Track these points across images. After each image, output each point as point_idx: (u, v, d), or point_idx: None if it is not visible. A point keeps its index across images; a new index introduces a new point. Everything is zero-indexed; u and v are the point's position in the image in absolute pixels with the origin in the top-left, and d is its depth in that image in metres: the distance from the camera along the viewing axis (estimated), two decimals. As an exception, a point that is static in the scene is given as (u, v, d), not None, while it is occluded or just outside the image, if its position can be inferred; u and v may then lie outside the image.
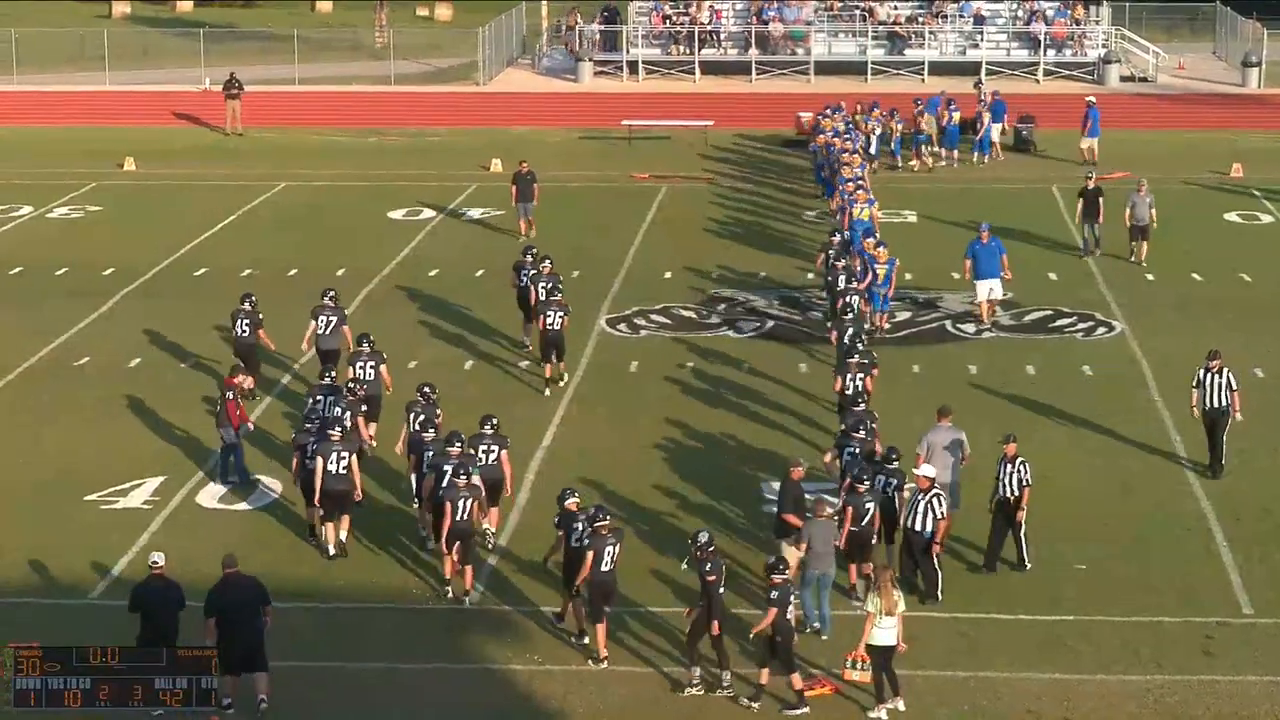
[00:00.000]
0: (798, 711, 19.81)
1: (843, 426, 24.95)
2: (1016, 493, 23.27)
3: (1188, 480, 26.51)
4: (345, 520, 24.01)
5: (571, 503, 21.74)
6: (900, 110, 49.39)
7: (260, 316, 30.17)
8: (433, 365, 31.52)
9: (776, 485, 24.01)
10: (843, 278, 32.25)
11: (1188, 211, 43.11)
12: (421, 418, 24.81)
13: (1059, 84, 59.39)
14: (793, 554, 21.92)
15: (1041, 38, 60.41)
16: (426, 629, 22.02)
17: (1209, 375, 26.47)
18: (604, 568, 20.91)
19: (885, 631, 19.77)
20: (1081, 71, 60.43)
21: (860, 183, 38.13)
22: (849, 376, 26.97)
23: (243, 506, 25.73)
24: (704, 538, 20.56)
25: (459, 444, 23.23)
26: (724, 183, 47.80)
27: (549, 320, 30.27)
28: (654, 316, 34.93)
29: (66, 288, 37.48)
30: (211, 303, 35.17)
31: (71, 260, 39.55)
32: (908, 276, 36.21)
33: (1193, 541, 24.45)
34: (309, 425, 24.96)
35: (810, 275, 36.79)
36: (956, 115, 49.56)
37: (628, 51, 61.52)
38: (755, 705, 19.92)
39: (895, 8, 61.64)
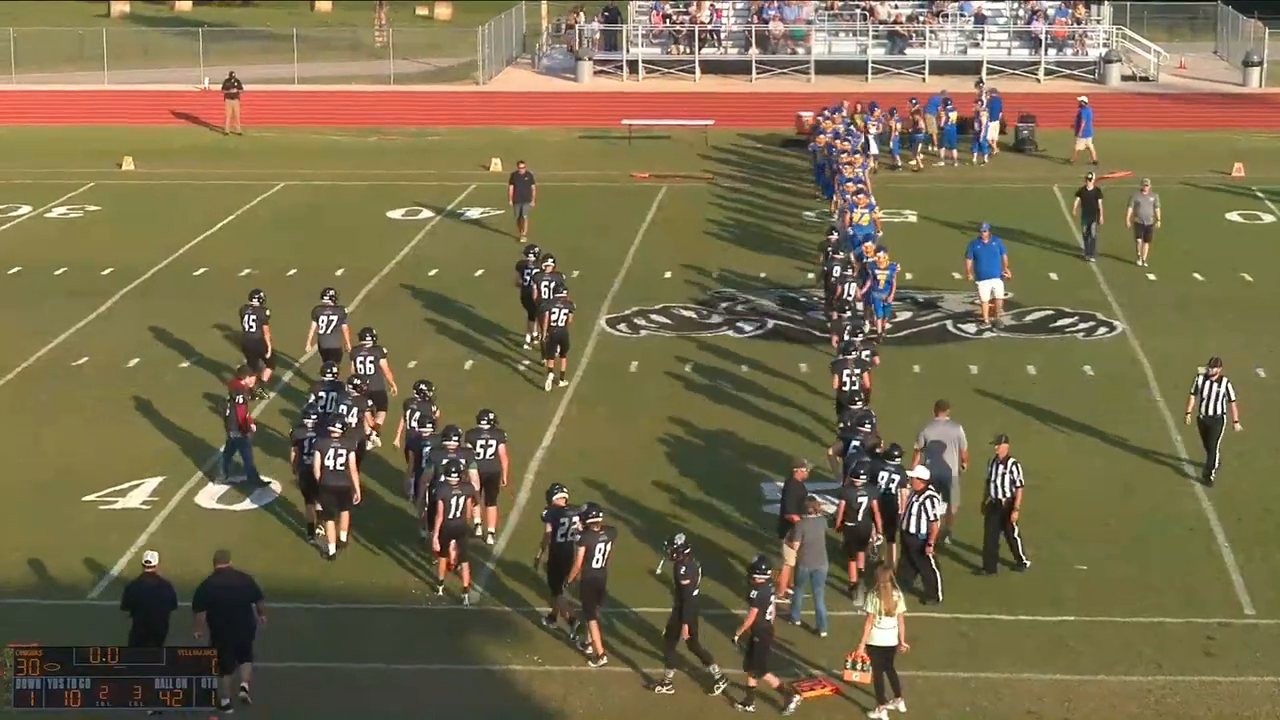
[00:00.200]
0: (792, 708, 19.77)
1: (845, 423, 24.93)
2: (1009, 494, 23.22)
3: (1189, 480, 26.47)
4: (345, 518, 24.00)
5: (560, 497, 21.76)
6: (898, 110, 49.38)
7: (268, 313, 30.17)
8: (433, 365, 31.48)
9: (778, 485, 23.97)
10: (838, 268, 32.33)
11: (1189, 211, 43.06)
12: (418, 414, 24.84)
13: (1060, 83, 59.31)
14: (792, 554, 21.91)
15: (1042, 37, 60.34)
16: (426, 629, 21.99)
17: (1208, 383, 26.17)
18: (595, 565, 20.91)
19: (885, 632, 19.75)
20: (1082, 71, 60.36)
21: (861, 185, 38.07)
22: (846, 373, 26.98)
23: (242, 506, 25.70)
24: (680, 540, 20.53)
25: (456, 439, 23.25)
26: (724, 183, 47.75)
27: (554, 317, 30.31)
28: (654, 316, 34.90)
29: (65, 287, 37.43)
30: (210, 302, 35.16)
31: (70, 260, 39.50)
32: (908, 276, 36.20)
33: (1194, 542, 24.41)
34: (307, 420, 24.95)
35: (810, 275, 36.77)
36: (954, 115, 49.54)
37: (628, 51, 61.46)
38: (750, 708, 19.90)
39: (896, 7, 61.55)
